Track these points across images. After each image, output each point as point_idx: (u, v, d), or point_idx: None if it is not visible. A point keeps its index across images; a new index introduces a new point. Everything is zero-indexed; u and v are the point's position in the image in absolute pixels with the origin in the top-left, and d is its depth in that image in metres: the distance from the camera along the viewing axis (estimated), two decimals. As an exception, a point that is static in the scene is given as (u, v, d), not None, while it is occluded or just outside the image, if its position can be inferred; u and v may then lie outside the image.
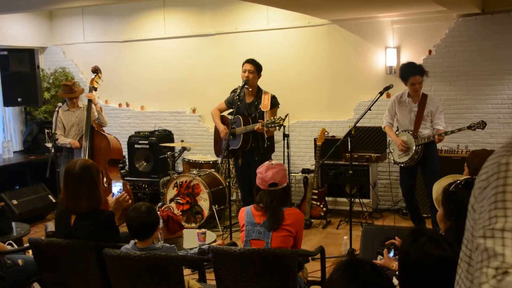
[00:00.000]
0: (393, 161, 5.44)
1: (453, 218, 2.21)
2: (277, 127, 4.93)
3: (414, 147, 5.15)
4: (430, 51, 6.41)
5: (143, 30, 7.93)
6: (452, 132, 5.10)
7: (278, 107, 5.35)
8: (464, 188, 2.24)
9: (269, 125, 4.91)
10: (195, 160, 6.50)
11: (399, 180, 6.48)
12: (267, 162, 3.36)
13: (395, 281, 2.36)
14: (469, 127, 5.00)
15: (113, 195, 3.99)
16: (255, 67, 5.20)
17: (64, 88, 6.03)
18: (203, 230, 4.08)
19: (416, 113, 5.19)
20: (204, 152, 7.25)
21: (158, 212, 3.96)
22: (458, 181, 2.36)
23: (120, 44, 8.12)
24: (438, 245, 1.83)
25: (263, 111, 5.21)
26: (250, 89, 5.26)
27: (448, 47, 6.28)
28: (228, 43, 7.44)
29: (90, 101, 5.85)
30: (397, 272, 2.49)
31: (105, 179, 5.71)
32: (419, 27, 6.49)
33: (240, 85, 5.18)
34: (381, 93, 4.91)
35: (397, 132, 5.35)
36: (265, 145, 5.22)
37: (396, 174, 6.57)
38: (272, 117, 5.04)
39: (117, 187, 4.26)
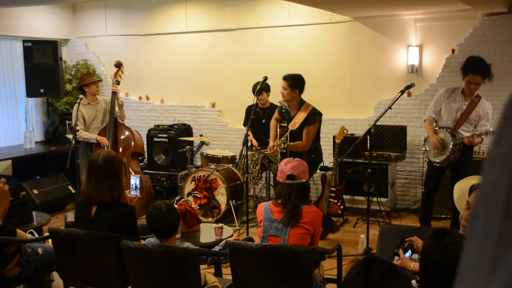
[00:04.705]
0: (427, 160, 5.21)
1: None
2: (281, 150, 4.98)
3: (451, 147, 4.89)
4: (453, 50, 6.33)
5: (165, 24, 7.97)
6: (486, 133, 4.79)
7: (316, 124, 5.13)
8: None
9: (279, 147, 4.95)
10: (213, 155, 6.52)
11: (418, 179, 6.48)
12: (286, 159, 3.39)
13: (414, 283, 2.34)
14: None
15: (131, 189, 4.02)
16: (288, 83, 5.11)
17: (86, 77, 6.12)
18: (220, 224, 4.10)
19: (463, 112, 4.93)
20: (223, 147, 7.27)
21: (176, 206, 3.99)
22: None
23: (141, 38, 8.17)
24: (462, 247, 1.80)
25: (303, 126, 5.11)
26: (290, 103, 5.23)
27: (472, 47, 6.18)
28: (249, 39, 7.44)
29: (114, 93, 5.92)
30: (414, 273, 2.48)
31: (127, 172, 5.78)
32: (443, 26, 6.40)
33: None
34: (402, 92, 4.84)
35: (435, 128, 5.08)
36: (311, 158, 5.10)
37: (416, 174, 6.53)
38: (283, 137, 5.09)
39: (134, 181, 4.27)
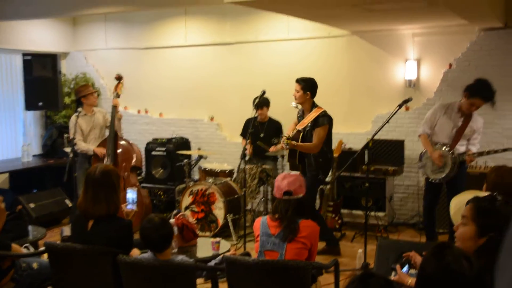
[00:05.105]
0: (425, 177, 5.27)
1: (492, 234, 2.18)
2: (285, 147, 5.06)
3: (450, 164, 4.97)
4: (450, 65, 6.35)
5: (164, 37, 7.99)
6: (488, 153, 4.96)
7: (326, 127, 5.16)
8: (504, 205, 2.23)
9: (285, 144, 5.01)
10: (211, 169, 6.49)
11: (416, 193, 6.45)
12: (285, 172, 3.37)
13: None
14: (505, 150, 4.86)
15: (127, 202, 4.01)
16: (300, 86, 5.25)
17: (83, 88, 6.16)
18: (218, 239, 4.08)
19: (459, 128, 5.01)
20: (221, 161, 7.25)
21: (173, 220, 3.98)
22: (489, 197, 2.32)
23: (141, 51, 8.19)
24: (460, 262, 1.80)
25: (313, 128, 5.17)
26: (301, 107, 5.35)
27: (469, 61, 6.21)
28: (248, 52, 7.47)
29: (114, 107, 5.99)
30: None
31: (125, 185, 5.79)
32: (440, 40, 6.43)
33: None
34: (400, 106, 4.84)
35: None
36: (317, 162, 5.18)
37: (413, 188, 6.51)
38: (289, 134, 5.15)
39: (130, 194, 4.24)
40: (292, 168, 5.54)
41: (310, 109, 5.27)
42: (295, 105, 5.38)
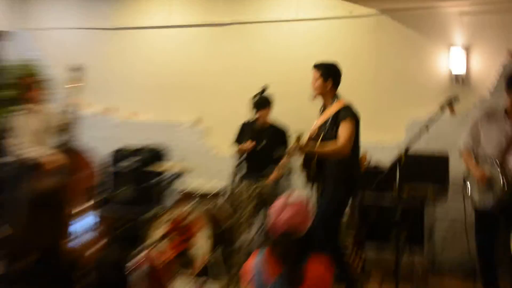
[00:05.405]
0: (472, 205, 5.26)
1: None
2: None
3: (500, 183, 4.95)
4: (512, 54, 6.31)
5: (141, 15, 8.13)
6: None
7: (350, 121, 5.10)
8: None
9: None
10: (194, 188, 6.47)
11: (465, 226, 6.30)
12: (283, 197, 3.29)
13: None
14: None
15: (78, 233, 3.91)
16: (320, 72, 5.22)
17: (28, 79, 6.27)
18: (202, 279, 3.98)
19: (509, 136, 5.06)
20: (207, 178, 7.14)
21: (138, 259, 3.89)
22: None
23: (108, 32, 8.32)
24: None
25: (335, 125, 5.12)
26: (322, 99, 5.31)
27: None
28: (247, 36, 7.57)
29: (70, 106, 6.02)
30: None
31: (80, 209, 5.71)
32: (498, 20, 6.40)
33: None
34: (443, 108, 4.71)
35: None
36: (339, 171, 5.14)
37: (462, 218, 6.35)
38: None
39: (83, 222, 4.16)
40: (309, 179, 5.43)
41: (332, 102, 5.23)
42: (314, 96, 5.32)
